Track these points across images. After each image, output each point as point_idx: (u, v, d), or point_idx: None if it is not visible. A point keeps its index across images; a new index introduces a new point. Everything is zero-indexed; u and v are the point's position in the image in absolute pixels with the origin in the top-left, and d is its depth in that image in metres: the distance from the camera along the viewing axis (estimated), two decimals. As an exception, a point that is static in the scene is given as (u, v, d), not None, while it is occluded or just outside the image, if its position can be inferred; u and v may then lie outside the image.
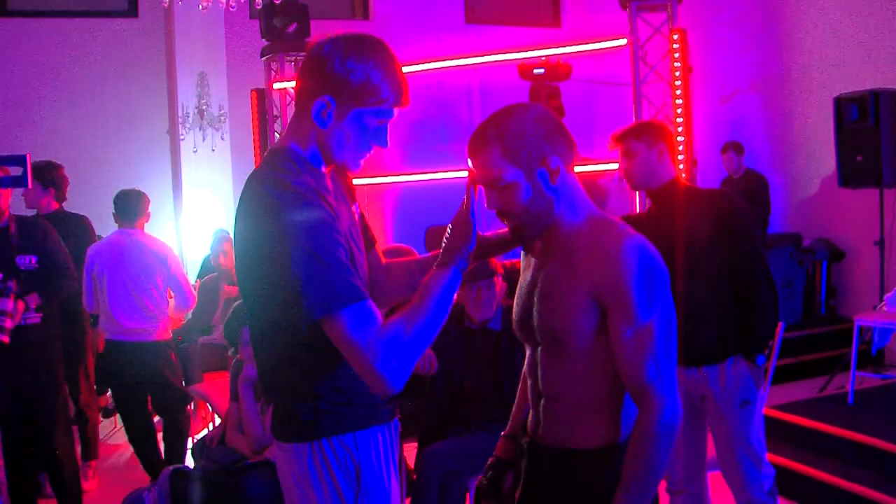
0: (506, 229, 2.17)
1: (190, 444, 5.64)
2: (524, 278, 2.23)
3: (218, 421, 5.66)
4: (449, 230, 2.14)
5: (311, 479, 2.13)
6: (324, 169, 2.16)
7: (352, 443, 2.13)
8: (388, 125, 2.15)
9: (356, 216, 2.30)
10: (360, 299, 1.93)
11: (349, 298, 1.92)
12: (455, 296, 2.07)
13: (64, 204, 5.91)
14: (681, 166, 6.15)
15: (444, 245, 2.12)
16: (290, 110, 9.13)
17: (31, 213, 5.57)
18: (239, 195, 2.12)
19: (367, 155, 2.18)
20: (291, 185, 2.01)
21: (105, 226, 9.11)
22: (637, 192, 6.53)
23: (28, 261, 4.39)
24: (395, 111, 2.13)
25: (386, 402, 2.21)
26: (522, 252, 2.29)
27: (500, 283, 4.25)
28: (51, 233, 4.57)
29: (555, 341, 2.07)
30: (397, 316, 1.99)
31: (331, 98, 2.06)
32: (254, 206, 2.02)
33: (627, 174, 3.70)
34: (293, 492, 2.18)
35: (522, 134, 2.02)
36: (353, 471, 2.12)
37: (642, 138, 3.64)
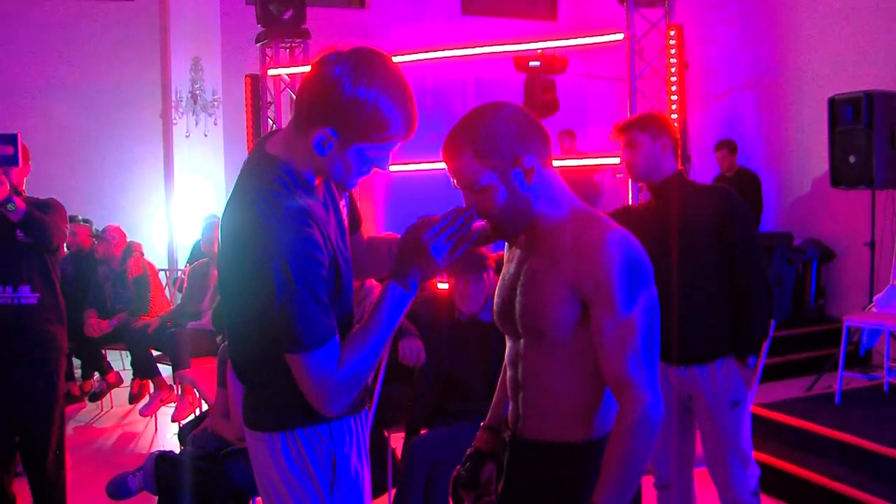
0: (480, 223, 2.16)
1: (176, 429, 5.62)
2: (507, 270, 2.23)
3: (205, 407, 5.65)
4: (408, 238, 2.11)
5: (286, 469, 2.13)
6: (316, 182, 2.12)
7: (327, 432, 2.13)
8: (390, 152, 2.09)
9: (344, 205, 2.29)
10: (325, 343, 1.97)
11: (315, 343, 1.95)
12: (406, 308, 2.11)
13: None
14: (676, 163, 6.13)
15: (399, 252, 2.11)
16: (284, 97, 9.11)
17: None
18: (231, 182, 2.10)
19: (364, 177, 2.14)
20: (283, 208, 1.95)
21: (96, 208, 9.12)
22: (630, 189, 6.53)
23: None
24: (399, 141, 2.06)
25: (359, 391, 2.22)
26: (507, 244, 2.28)
27: (490, 276, 4.24)
28: (53, 203, 4.34)
29: (536, 332, 2.06)
30: (351, 348, 2.03)
31: (333, 132, 1.95)
32: (243, 223, 1.98)
33: (630, 165, 3.64)
34: (268, 482, 2.18)
35: (494, 136, 2.00)
36: (328, 460, 2.13)
37: (647, 130, 3.58)
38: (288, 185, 2.01)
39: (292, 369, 1.99)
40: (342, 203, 2.29)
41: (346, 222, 2.26)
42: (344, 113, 1.93)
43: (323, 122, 1.95)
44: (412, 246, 2.07)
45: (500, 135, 2.01)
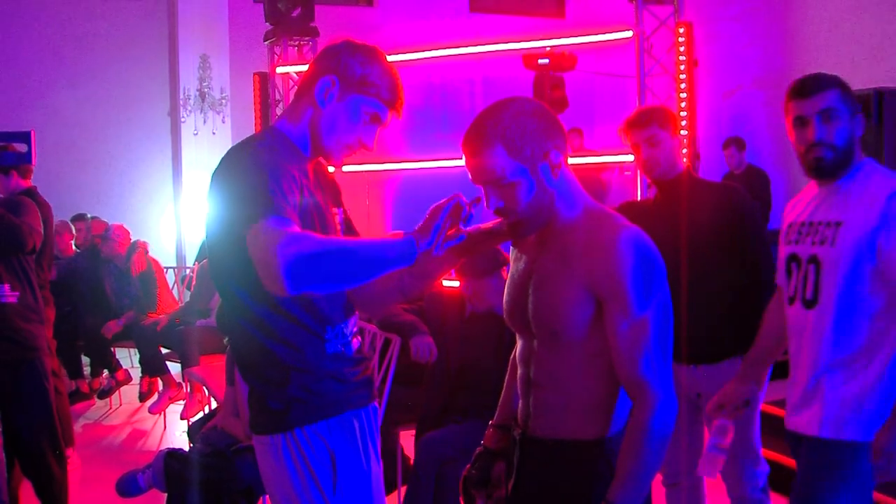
0: (492, 222, 2.15)
1: (185, 427, 5.63)
2: (515, 268, 2.20)
3: (214, 404, 5.66)
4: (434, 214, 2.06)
5: (287, 471, 2.14)
6: (309, 158, 2.22)
7: (325, 430, 2.14)
8: (378, 130, 2.22)
9: (339, 220, 2.32)
10: (281, 214, 1.91)
11: (269, 211, 1.90)
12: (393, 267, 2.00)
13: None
14: (684, 160, 6.12)
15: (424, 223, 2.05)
16: (293, 95, 9.09)
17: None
18: None
19: (351, 152, 2.22)
20: (256, 145, 2.10)
21: (104, 206, 9.14)
22: (639, 187, 6.51)
23: None
24: (388, 116, 2.20)
25: (359, 385, 2.22)
26: (511, 244, 2.26)
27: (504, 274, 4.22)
28: (22, 203, 4.33)
29: (550, 332, 2.05)
30: (322, 236, 2.03)
31: (335, 77, 2.15)
32: (222, 168, 2.08)
33: (651, 163, 3.55)
34: (272, 483, 2.20)
35: (524, 128, 1.98)
36: (328, 459, 2.14)
37: (666, 126, 3.52)
38: (271, 139, 2.16)
39: (249, 246, 1.90)
40: (336, 211, 2.31)
41: (341, 230, 2.29)
42: (347, 66, 2.16)
43: (326, 70, 2.17)
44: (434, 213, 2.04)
45: (529, 129, 1.99)
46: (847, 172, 2.69)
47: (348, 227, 2.38)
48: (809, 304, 2.71)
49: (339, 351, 2.19)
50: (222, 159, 2.10)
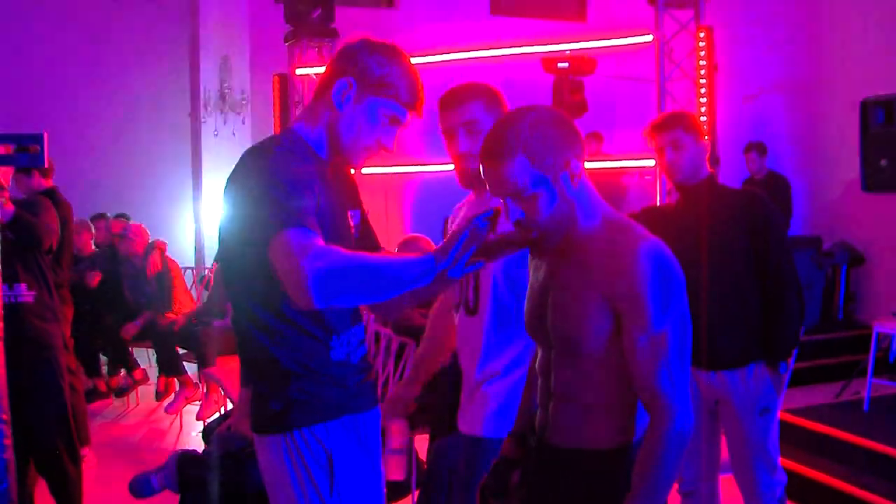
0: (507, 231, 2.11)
1: (201, 428, 5.64)
2: (535, 278, 2.18)
3: (230, 405, 5.66)
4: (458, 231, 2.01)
5: (287, 471, 2.14)
6: (327, 161, 2.20)
7: (323, 433, 2.13)
8: (398, 131, 2.19)
9: (354, 222, 2.31)
10: (303, 224, 1.91)
11: (292, 220, 1.90)
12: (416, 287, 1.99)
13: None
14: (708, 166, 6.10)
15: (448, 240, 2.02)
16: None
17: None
18: None
19: (371, 154, 2.19)
20: (274, 149, 2.09)
21: (124, 206, 9.17)
22: (658, 191, 6.48)
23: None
24: (408, 117, 2.17)
25: (361, 390, 2.21)
26: (530, 253, 2.22)
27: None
28: (40, 203, 4.43)
29: (568, 345, 2.02)
30: (347, 251, 2.01)
31: (353, 80, 2.12)
32: (240, 173, 2.07)
33: (674, 167, 3.54)
34: (272, 484, 2.20)
35: (545, 139, 1.94)
36: (325, 461, 2.13)
37: (690, 131, 3.50)
38: (288, 144, 2.14)
39: (273, 258, 1.91)
40: (352, 213, 2.30)
41: (350, 238, 2.26)
42: (364, 67, 2.13)
43: (343, 72, 2.14)
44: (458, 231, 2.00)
45: (549, 137, 1.95)
46: None
47: (365, 229, 2.37)
48: (471, 311, 2.73)
49: (344, 359, 2.18)
50: (239, 163, 2.09)
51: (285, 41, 8.98)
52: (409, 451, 3.15)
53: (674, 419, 1.89)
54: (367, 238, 2.38)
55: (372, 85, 2.12)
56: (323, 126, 2.17)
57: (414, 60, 2.23)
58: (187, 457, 3.92)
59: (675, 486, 3.79)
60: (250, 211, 1.98)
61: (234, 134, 9.73)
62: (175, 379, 7.17)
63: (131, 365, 7.68)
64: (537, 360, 2.21)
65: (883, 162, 6.89)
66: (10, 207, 4.11)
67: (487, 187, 2.02)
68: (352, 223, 2.29)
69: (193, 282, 8.52)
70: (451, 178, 2.86)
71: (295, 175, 2.00)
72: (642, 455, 1.92)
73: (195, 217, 10.08)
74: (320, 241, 1.91)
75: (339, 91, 2.13)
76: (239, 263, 2.11)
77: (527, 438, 2.28)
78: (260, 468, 2.24)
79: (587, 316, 1.97)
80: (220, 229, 2.16)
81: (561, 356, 2.07)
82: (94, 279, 7.47)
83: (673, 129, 3.51)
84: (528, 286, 2.21)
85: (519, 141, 1.94)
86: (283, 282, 1.90)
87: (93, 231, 8.10)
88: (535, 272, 2.19)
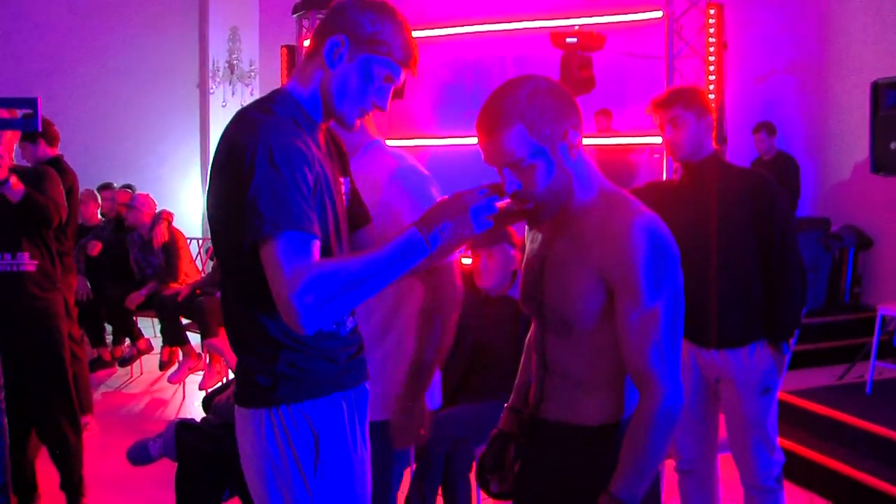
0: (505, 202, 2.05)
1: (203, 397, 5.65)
2: (530, 251, 2.16)
3: (232, 376, 5.67)
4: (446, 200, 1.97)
5: (268, 447, 2.07)
6: (320, 123, 2.14)
7: (311, 410, 2.07)
8: (391, 89, 2.13)
9: (345, 189, 2.26)
10: (300, 227, 1.86)
11: (289, 224, 1.85)
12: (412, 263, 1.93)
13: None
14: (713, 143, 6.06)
15: (433, 207, 1.97)
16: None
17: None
18: None
19: (364, 114, 2.13)
20: (275, 112, 2.02)
21: (132, 176, 9.17)
22: (665, 169, 6.45)
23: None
24: (402, 75, 2.10)
25: (350, 366, 2.16)
26: (527, 224, 2.19)
27: (513, 253, 4.20)
28: (45, 174, 4.42)
29: (562, 320, 2.01)
30: (338, 259, 2.00)
31: (345, 37, 2.05)
32: (232, 129, 2.01)
33: (673, 145, 3.50)
34: (250, 458, 2.12)
35: (543, 108, 1.92)
36: (311, 440, 2.07)
37: (691, 107, 3.44)
38: (284, 103, 2.07)
39: (264, 263, 1.87)
40: (343, 180, 2.25)
41: (342, 206, 2.21)
42: (356, 24, 2.06)
43: (335, 29, 2.07)
44: (450, 203, 1.94)
45: (547, 107, 1.92)
46: (356, 153, 2.76)
47: (354, 197, 2.34)
48: None
49: (333, 330, 2.12)
50: (233, 131, 1.99)
51: (294, 13, 8.92)
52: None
53: (663, 397, 1.88)
54: (356, 205, 2.34)
55: (364, 42, 2.05)
56: (316, 86, 2.09)
57: (423, 34, 2.17)
58: (185, 426, 3.93)
59: (673, 463, 3.79)
60: (243, 189, 1.88)
61: (242, 105, 9.65)
62: (178, 349, 7.18)
63: (136, 335, 7.71)
64: (532, 333, 2.19)
65: (893, 145, 6.83)
66: (20, 188, 4.12)
67: (483, 157, 1.99)
68: (343, 190, 2.25)
69: (198, 252, 8.52)
70: (459, 151, 2.82)
71: (292, 154, 1.92)
72: (630, 432, 1.91)
73: (202, 188, 10.07)
74: (315, 252, 1.87)
75: (330, 49, 2.05)
76: (224, 234, 2.04)
77: (520, 412, 2.27)
78: (238, 441, 2.16)
79: (580, 294, 1.95)
80: (208, 194, 2.10)
81: (554, 332, 2.06)
82: (95, 248, 7.48)
83: (672, 106, 3.46)
84: (525, 257, 2.20)
85: (517, 110, 1.92)
86: (274, 297, 1.86)
87: (99, 201, 8.11)
88: (531, 243, 2.18)
